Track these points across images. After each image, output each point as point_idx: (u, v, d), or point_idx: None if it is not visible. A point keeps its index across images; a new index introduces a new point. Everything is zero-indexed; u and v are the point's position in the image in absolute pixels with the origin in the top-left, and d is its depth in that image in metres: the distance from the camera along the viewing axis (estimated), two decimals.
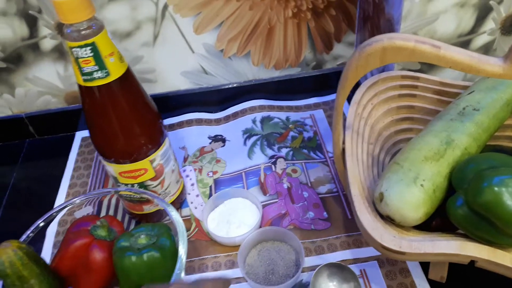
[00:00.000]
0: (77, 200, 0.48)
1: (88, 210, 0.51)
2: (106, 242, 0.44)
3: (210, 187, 0.60)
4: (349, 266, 0.47)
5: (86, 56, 0.40)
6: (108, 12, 0.58)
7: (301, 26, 0.63)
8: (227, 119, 0.70)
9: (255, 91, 0.71)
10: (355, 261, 0.50)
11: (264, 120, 0.69)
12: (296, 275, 0.47)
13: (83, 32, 0.39)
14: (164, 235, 0.43)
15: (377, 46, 0.34)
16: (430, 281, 0.47)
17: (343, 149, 0.45)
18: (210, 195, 0.59)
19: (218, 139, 0.67)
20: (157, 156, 0.49)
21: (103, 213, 0.56)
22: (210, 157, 0.64)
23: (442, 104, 0.49)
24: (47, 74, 0.64)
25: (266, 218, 0.54)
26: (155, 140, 0.48)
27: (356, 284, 0.46)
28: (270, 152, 0.63)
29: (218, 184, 0.60)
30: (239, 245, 0.52)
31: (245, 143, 0.65)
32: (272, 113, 0.70)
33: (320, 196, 0.57)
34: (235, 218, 0.53)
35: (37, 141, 0.72)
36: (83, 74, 0.41)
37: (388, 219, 0.39)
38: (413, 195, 0.37)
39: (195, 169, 0.62)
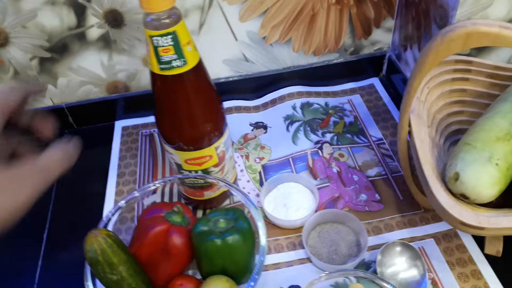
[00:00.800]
0: (151, 187, 0.50)
1: (156, 197, 0.52)
2: (182, 227, 0.45)
3: (259, 172, 0.61)
4: (407, 242, 0.49)
5: (167, 44, 0.40)
6: None
7: (343, 12, 0.64)
8: (265, 106, 0.71)
9: (292, 78, 0.72)
10: (412, 239, 0.52)
11: (304, 106, 0.70)
12: (361, 253, 0.49)
13: (164, 21, 0.40)
14: (240, 218, 0.44)
15: (461, 32, 0.36)
16: (486, 256, 0.49)
17: (409, 132, 0.46)
18: (260, 180, 0.60)
19: (260, 126, 0.68)
20: (221, 143, 0.50)
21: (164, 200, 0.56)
22: (255, 144, 0.65)
23: (495, 87, 0.51)
24: (91, 64, 0.64)
25: (320, 202, 0.56)
26: (220, 127, 0.49)
27: (420, 261, 0.48)
28: (314, 138, 0.65)
29: (266, 169, 0.61)
30: (297, 228, 0.54)
31: (288, 129, 0.67)
32: (311, 99, 0.71)
33: (369, 179, 0.59)
34: (292, 202, 0.55)
35: (76, 131, 0.72)
36: (161, 62, 0.41)
37: (461, 197, 0.41)
38: (489, 173, 0.39)
39: (241, 156, 0.64)
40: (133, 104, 0.71)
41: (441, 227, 0.52)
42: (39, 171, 0.32)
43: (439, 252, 0.50)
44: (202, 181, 0.51)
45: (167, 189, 0.58)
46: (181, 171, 0.52)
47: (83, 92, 0.68)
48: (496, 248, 0.49)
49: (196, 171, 0.51)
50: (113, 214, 0.47)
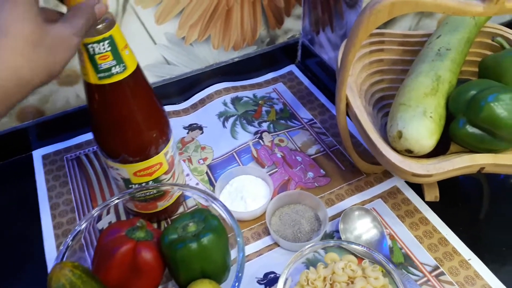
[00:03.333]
0: (95, 213, 0.46)
1: (111, 218, 0.48)
2: (149, 242, 0.43)
3: (206, 173, 0.60)
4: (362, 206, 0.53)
5: (104, 51, 0.38)
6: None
7: (256, 4, 0.66)
8: (195, 107, 0.70)
9: (216, 75, 0.72)
10: (363, 203, 0.56)
11: (234, 101, 0.70)
12: (323, 225, 0.51)
13: (98, 27, 0.37)
14: (209, 218, 0.43)
15: (386, 3, 0.39)
16: (427, 203, 0.55)
17: (347, 104, 0.50)
18: (209, 180, 0.59)
19: (194, 127, 0.67)
20: (169, 149, 0.48)
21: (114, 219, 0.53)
22: (194, 146, 0.64)
23: (406, 53, 0.57)
24: None
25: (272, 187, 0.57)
26: (166, 132, 0.48)
27: (376, 221, 0.52)
28: (252, 129, 0.66)
29: (213, 169, 0.61)
30: (258, 217, 0.54)
31: (224, 126, 0.67)
32: (239, 93, 0.72)
33: (311, 157, 0.62)
34: (248, 193, 0.55)
35: None
36: (99, 71, 0.39)
37: (406, 152, 0.45)
38: (426, 126, 0.44)
39: (184, 160, 0.62)
40: (50, 129, 0.64)
41: (385, 186, 0.57)
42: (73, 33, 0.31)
43: (388, 209, 0.55)
44: (155, 191, 0.49)
45: (111, 209, 0.55)
46: (130, 186, 0.49)
47: None
48: (434, 194, 0.55)
49: (146, 183, 0.49)
50: (72, 240, 0.42)
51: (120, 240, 0.42)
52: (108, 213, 0.50)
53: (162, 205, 0.52)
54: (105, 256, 0.42)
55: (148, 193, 0.49)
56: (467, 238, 0.51)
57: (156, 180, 0.49)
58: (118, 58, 0.39)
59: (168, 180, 0.50)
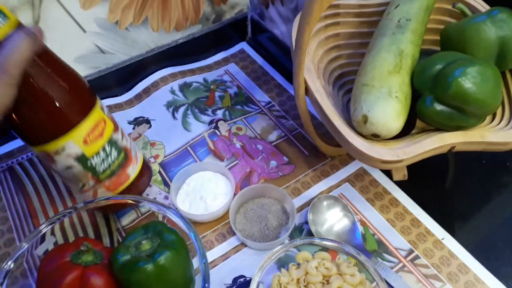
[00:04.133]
0: (43, 230, 0.40)
1: (51, 240, 0.42)
2: (98, 265, 0.38)
3: (159, 172, 0.55)
4: (329, 194, 0.50)
5: None
6: None
7: None
8: (139, 98, 0.64)
9: (160, 60, 0.65)
10: (330, 189, 0.53)
11: (183, 88, 0.64)
12: (290, 219, 0.48)
13: None
14: (164, 231, 0.39)
15: None
16: (396, 183, 0.53)
17: (306, 88, 0.45)
18: (163, 180, 0.54)
19: (141, 121, 0.61)
20: (101, 102, 0.44)
21: (62, 240, 0.46)
22: (142, 142, 0.58)
23: (363, 25, 0.53)
24: None
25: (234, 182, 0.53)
26: (83, 81, 0.42)
27: (344, 207, 0.49)
28: (206, 118, 0.60)
29: (166, 167, 0.55)
30: (220, 217, 0.50)
31: (174, 117, 0.61)
32: (188, 79, 0.66)
33: (273, 144, 0.57)
34: (207, 192, 0.50)
35: None
36: None
37: (372, 137, 0.42)
38: (393, 107, 0.40)
39: None
40: None
41: (351, 169, 0.54)
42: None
43: (356, 193, 0.52)
44: (117, 155, 0.44)
45: (56, 228, 0.48)
46: (87, 165, 0.42)
47: None
48: (402, 173, 0.52)
49: (103, 149, 0.42)
50: (1, 284, 0.36)
51: (64, 268, 0.37)
52: (52, 233, 0.44)
53: (133, 171, 0.46)
54: None
55: (111, 158, 0.43)
56: (438, 216, 0.49)
57: (111, 142, 0.43)
58: None
59: (122, 139, 0.45)
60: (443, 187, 0.53)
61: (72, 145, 0.40)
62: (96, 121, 0.41)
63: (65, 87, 0.39)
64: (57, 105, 0.38)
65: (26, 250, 0.39)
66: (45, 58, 0.38)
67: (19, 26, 0.35)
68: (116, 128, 0.44)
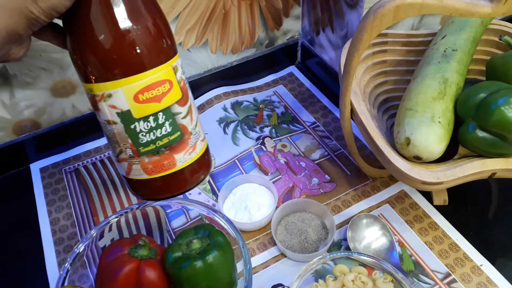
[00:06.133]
0: (112, 220, 0.45)
1: (113, 235, 0.47)
2: (152, 260, 0.42)
3: (209, 182, 0.59)
4: (369, 213, 0.52)
5: None
6: None
7: (254, 6, 0.65)
8: None
9: (215, 80, 0.71)
10: (370, 209, 0.54)
11: (234, 106, 0.69)
12: (330, 234, 0.50)
13: None
14: (213, 234, 0.42)
15: (391, 6, 0.38)
16: (436, 207, 0.54)
17: (352, 110, 0.48)
18: (212, 189, 0.58)
19: None
20: (178, 64, 0.36)
21: (118, 237, 0.51)
22: None
23: (410, 53, 0.55)
24: None
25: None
26: (170, 32, 0.35)
27: (385, 228, 0.50)
28: (254, 135, 0.64)
29: (215, 177, 0.59)
30: (263, 227, 0.53)
31: (225, 132, 0.65)
32: (239, 98, 0.70)
33: (316, 162, 0.60)
34: (252, 202, 0.54)
35: None
36: None
37: (414, 159, 0.44)
38: (435, 132, 0.42)
39: None
40: (47, 141, 0.63)
41: (392, 191, 0.56)
42: None
43: (396, 214, 0.53)
44: (168, 126, 0.35)
45: (113, 226, 0.53)
46: (132, 126, 0.34)
47: None
48: (443, 198, 0.54)
49: (154, 116, 0.34)
50: (70, 264, 0.41)
51: (122, 260, 0.41)
52: (110, 229, 0.48)
53: (182, 160, 0.37)
54: (108, 278, 0.40)
55: (160, 132, 0.35)
56: (478, 243, 0.49)
57: (167, 112, 0.35)
58: None
59: (185, 118, 0.36)
60: (484, 215, 0.53)
61: (121, 95, 0.33)
62: (160, 80, 0.34)
63: (148, 23, 0.33)
64: (127, 38, 0.32)
65: (90, 242, 0.44)
66: None
67: None
68: (183, 100, 0.36)
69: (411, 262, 0.48)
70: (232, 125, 0.66)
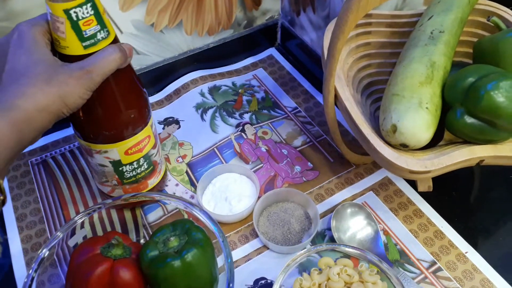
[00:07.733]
0: (78, 221, 0.42)
1: (81, 234, 0.44)
2: (127, 259, 0.39)
3: (186, 172, 0.56)
4: (354, 202, 0.51)
5: (88, 15, 0.34)
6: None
7: None
8: (169, 98, 0.65)
9: (191, 63, 0.67)
10: (354, 197, 0.53)
11: (212, 91, 0.66)
12: (313, 225, 0.48)
13: None
14: (192, 229, 0.40)
15: None
16: (420, 193, 0.53)
17: (335, 95, 0.46)
18: (190, 180, 0.55)
19: (170, 121, 0.62)
20: (152, 121, 0.46)
21: (91, 234, 0.48)
22: (171, 142, 0.59)
23: (395, 35, 0.53)
24: None
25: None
26: (147, 101, 0.45)
27: (368, 215, 0.49)
28: (233, 121, 0.61)
29: (193, 167, 0.57)
30: (244, 219, 0.51)
31: (203, 118, 0.62)
32: (217, 82, 0.67)
33: (298, 149, 0.58)
34: (232, 193, 0.51)
35: None
36: (85, 39, 0.35)
37: (401, 147, 0.42)
38: (423, 118, 0.40)
39: None
40: None
41: (375, 178, 0.55)
42: (86, 71, 0.35)
43: (380, 202, 0.52)
44: (146, 166, 0.47)
45: (86, 222, 0.50)
46: (120, 168, 0.45)
47: None
48: (427, 184, 0.52)
49: (137, 161, 0.46)
50: (35, 271, 0.38)
51: (94, 260, 0.38)
52: (82, 226, 0.45)
53: (152, 183, 0.50)
54: (79, 280, 0.38)
55: (140, 170, 0.47)
56: (462, 229, 0.49)
57: (146, 157, 0.46)
58: (101, 22, 0.36)
59: (155, 156, 0.48)
60: (468, 201, 0.52)
61: (115, 152, 0.44)
62: (143, 138, 0.44)
63: (132, 105, 0.42)
64: (120, 118, 0.41)
65: (59, 240, 0.41)
66: (124, 73, 0.39)
67: (115, 40, 0.38)
68: (155, 144, 0.47)
69: (397, 251, 0.47)
70: (210, 111, 0.63)
